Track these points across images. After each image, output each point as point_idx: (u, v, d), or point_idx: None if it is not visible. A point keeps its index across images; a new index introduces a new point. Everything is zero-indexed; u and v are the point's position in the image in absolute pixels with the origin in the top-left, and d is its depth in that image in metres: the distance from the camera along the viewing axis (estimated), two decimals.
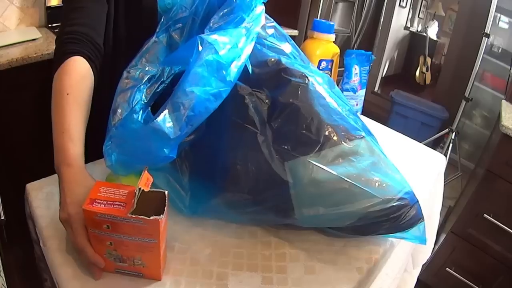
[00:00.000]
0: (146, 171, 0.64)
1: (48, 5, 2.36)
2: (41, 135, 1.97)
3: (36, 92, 1.91)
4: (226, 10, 0.82)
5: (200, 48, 0.71)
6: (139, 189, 0.60)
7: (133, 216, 0.60)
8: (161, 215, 0.61)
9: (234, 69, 0.74)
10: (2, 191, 1.62)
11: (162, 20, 0.96)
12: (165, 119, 0.68)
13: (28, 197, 0.89)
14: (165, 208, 0.63)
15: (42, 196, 0.88)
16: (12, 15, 2.28)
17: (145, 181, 0.62)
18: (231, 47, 0.74)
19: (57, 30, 2.29)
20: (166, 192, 0.64)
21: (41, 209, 0.85)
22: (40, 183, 0.93)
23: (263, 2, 0.88)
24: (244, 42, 0.77)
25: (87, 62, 0.89)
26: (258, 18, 0.84)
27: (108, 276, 0.72)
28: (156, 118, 0.68)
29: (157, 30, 0.94)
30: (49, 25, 2.40)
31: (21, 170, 1.90)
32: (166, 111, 0.68)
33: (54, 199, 0.87)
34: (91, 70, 0.90)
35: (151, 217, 0.60)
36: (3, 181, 1.76)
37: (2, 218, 1.32)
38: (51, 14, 2.39)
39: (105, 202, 0.63)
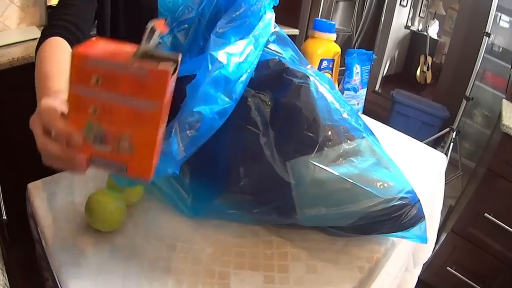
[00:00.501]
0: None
1: (49, 4, 2.35)
2: None
3: None
4: (233, 15, 0.81)
5: (210, 67, 0.71)
6: (152, 27, 0.50)
7: (137, 61, 0.49)
8: (172, 68, 0.49)
9: (240, 85, 0.74)
10: (3, 191, 1.63)
11: (166, 20, 0.95)
12: (172, 141, 0.67)
13: (30, 197, 0.90)
14: (177, 71, 0.51)
15: (43, 196, 0.89)
16: (12, 14, 2.28)
17: (163, 23, 0.52)
18: (241, 62, 0.74)
19: None
20: (180, 56, 0.51)
21: (42, 209, 0.85)
22: (42, 183, 0.93)
23: (274, 6, 0.87)
24: (252, 54, 0.77)
25: (67, 42, 0.88)
26: (268, 27, 0.83)
27: (111, 276, 0.72)
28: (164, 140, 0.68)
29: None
30: None
31: (22, 170, 1.90)
32: (172, 132, 0.68)
33: (55, 199, 0.88)
34: (70, 48, 0.87)
35: (159, 67, 0.49)
36: (4, 181, 1.76)
37: (4, 217, 1.33)
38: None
39: (103, 49, 0.52)
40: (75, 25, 0.94)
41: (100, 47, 0.53)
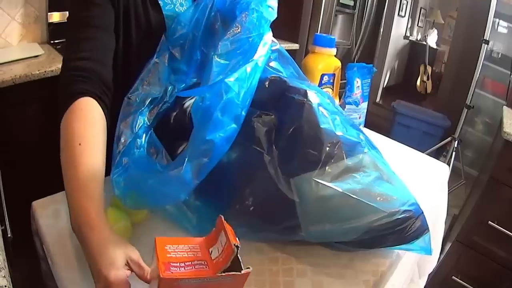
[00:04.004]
0: (225, 222, 0.60)
1: (50, 21, 2.37)
2: (46, 152, 1.98)
3: (40, 109, 1.91)
4: (230, 37, 0.82)
5: (224, 96, 0.71)
6: (236, 245, 0.56)
7: (224, 274, 0.56)
8: (250, 267, 0.58)
9: (244, 109, 0.74)
10: (8, 208, 1.63)
11: (162, 39, 0.96)
12: (185, 169, 0.68)
13: (35, 215, 0.90)
14: (239, 256, 0.58)
15: (48, 214, 0.89)
16: (13, 31, 2.29)
17: (233, 234, 0.59)
18: (247, 89, 0.74)
19: (59, 46, 2.30)
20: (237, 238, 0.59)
21: (47, 227, 0.85)
22: (46, 201, 0.93)
23: (272, 22, 0.87)
24: (255, 78, 0.77)
25: (97, 104, 0.79)
26: (268, 51, 0.84)
27: None
28: (176, 166, 0.69)
29: (157, 50, 0.94)
30: (51, 42, 2.40)
31: (26, 187, 1.91)
32: (186, 160, 0.68)
33: (60, 217, 0.88)
34: (102, 111, 0.80)
35: (243, 271, 0.57)
36: (9, 199, 1.76)
37: (9, 235, 1.33)
38: (53, 30, 2.40)
39: (184, 265, 0.57)
40: (99, 62, 0.85)
41: (173, 255, 0.59)
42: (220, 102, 0.70)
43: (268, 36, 0.84)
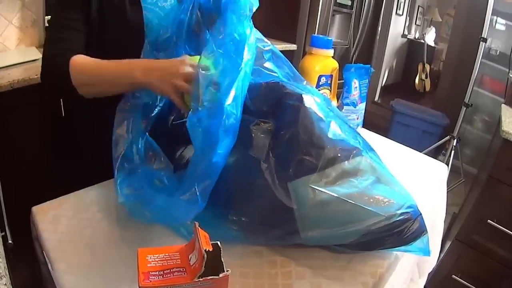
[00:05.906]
0: (199, 228, 0.61)
1: (47, 25, 2.36)
2: (45, 157, 1.98)
3: (38, 113, 1.91)
4: (213, 40, 0.81)
5: (227, 121, 0.71)
6: (206, 251, 0.57)
7: (202, 279, 0.57)
8: (228, 270, 0.58)
9: (238, 122, 0.75)
10: (8, 214, 1.63)
11: (145, 44, 0.97)
12: (196, 194, 0.69)
13: (34, 220, 0.90)
14: (222, 259, 0.59)
15: (48, 219, 0.89)
16: (11, 35, 2.29)
17: (205, 240, 0.59)
18: (240, 99, 0.75)
19: None
20: (219, 242, 0.60)
21: (47, 232, 0.85)
22: (46, 206, 0.93)
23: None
24: (246, 85, 0.78)
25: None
26: (253, 53, 0.83)
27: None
28: (185, 190, 0.70)
29: (141, 56, 0.95)
30: None
31: (25, 193, 1.91)
32: (196, 185, 0.69)
33: (60, 222, 0.88)
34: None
35: (221, 275, 0.57)
36: (8, 204, 1.76)
37: (10, 242, 1.33)
38: None
39: (162, 273, 0.59)
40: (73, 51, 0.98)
41: (154, 264, 0.61)
42: (222, 124, 0.71)
43: (251, 36, 0.83)
